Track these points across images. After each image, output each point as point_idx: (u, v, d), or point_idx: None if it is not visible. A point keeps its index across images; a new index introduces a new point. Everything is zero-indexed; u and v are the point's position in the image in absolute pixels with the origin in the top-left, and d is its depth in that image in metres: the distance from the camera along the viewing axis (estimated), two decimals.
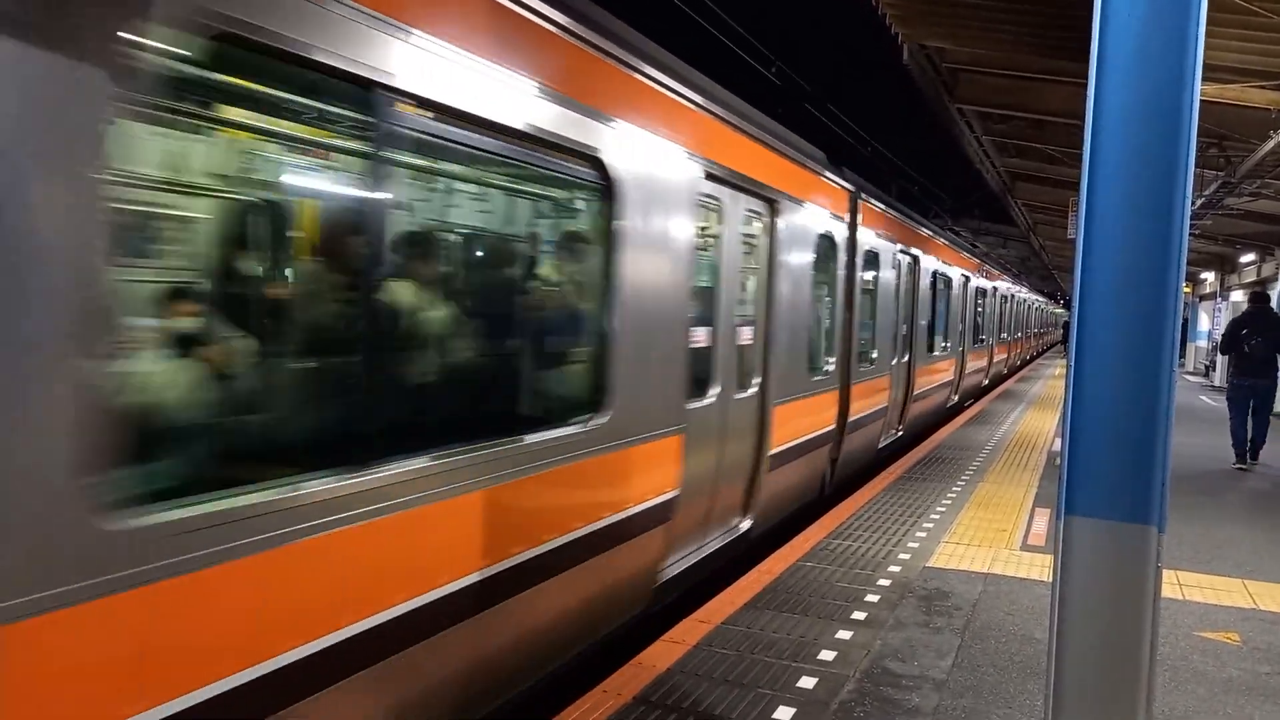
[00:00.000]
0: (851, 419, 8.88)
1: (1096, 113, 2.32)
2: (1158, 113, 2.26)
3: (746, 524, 6.46)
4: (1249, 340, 10.88)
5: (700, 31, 11.14)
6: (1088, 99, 2.33)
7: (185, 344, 2.90)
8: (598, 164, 4.23)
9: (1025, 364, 35.14)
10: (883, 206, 10.36)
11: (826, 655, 4.52)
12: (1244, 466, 10.79)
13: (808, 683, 4.18)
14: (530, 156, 3.99)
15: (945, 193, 30.05)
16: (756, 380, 6.47)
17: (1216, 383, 15.75)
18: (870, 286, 9.82)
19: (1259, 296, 11.91)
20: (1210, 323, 29.28)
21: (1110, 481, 2.32)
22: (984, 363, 20.39)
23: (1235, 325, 11.37)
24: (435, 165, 3.91)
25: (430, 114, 3.25)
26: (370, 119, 2.99)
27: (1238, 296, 26.86)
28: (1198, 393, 20.66)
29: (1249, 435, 10.83)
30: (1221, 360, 11.98)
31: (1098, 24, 2.32)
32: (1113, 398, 2.32)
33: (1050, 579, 2.44)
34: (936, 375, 14.01)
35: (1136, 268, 2.28)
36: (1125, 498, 2.31)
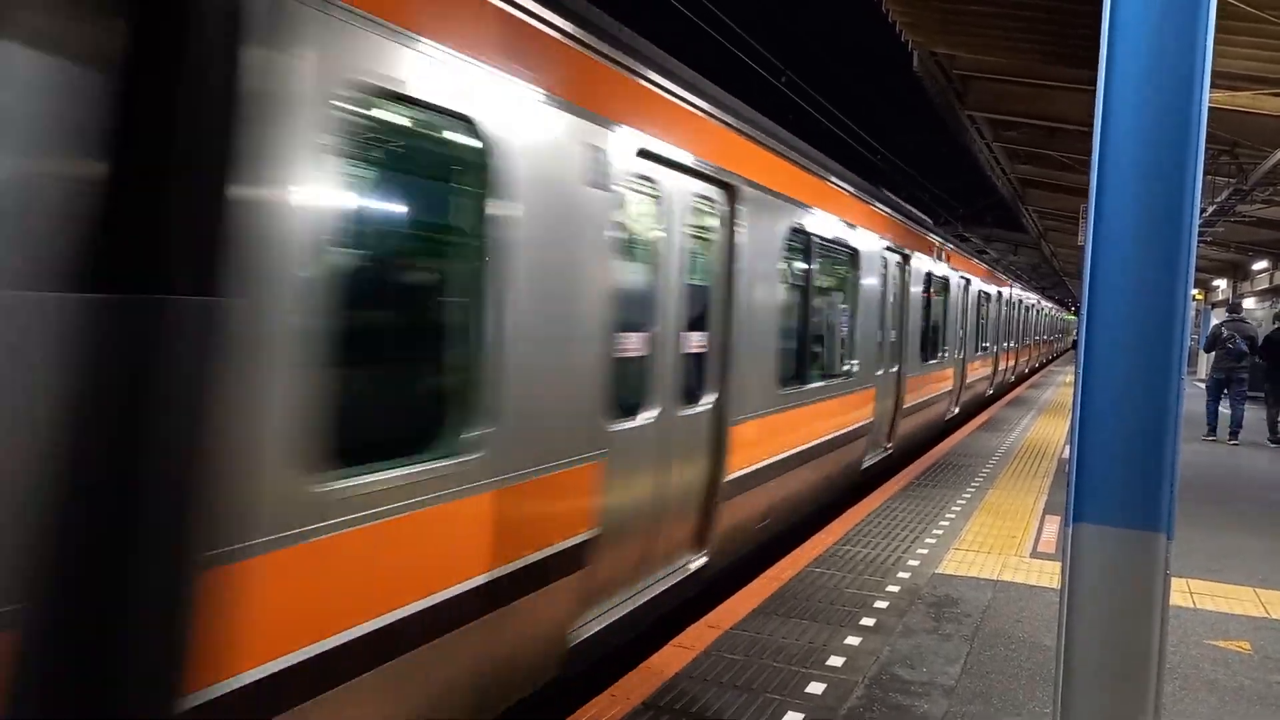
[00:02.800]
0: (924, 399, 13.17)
1: (1106, 120, 2.33)
2: (1167, 120, 2.26)
3: (890, 446, 10.75)
4: (1230, 340, 13.78)
5: (707, 39, 11.17)
6: (1097, 106, 2.34)
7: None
8: (855, 253, 8.76)
9: (1044, 365, 36.76)
10: (952, 248, 15.13)
11: (835, 661, 4.52)
12: (1214, 438, 13.93)
13: (816, 688, 4.19)
14: (843, 253, 8.62)
15: (956, 199, 30.00)
16: (898, 362, 10.87)
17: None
18: (942, 305, 14.02)
19: (1235, 307, 15.63)
20: None
21: (1119, 488, 2.32)
22: (1011, 362, 24.02)
23: (1217, 329, 14.50)
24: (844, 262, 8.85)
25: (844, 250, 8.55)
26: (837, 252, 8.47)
27: (1250, 304, 26.72)
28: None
29: (1232, 417, 13.81)
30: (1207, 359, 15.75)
31: (1107, 31, 2.33)
32: (1121, 404, 2.32)
33: (1059, 586, 2.44)
34: (981, 369, 18.46)
35: (1145, 274, 2.28)
36: (1134, 505, 2.31)
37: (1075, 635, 2.38)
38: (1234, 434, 13.74)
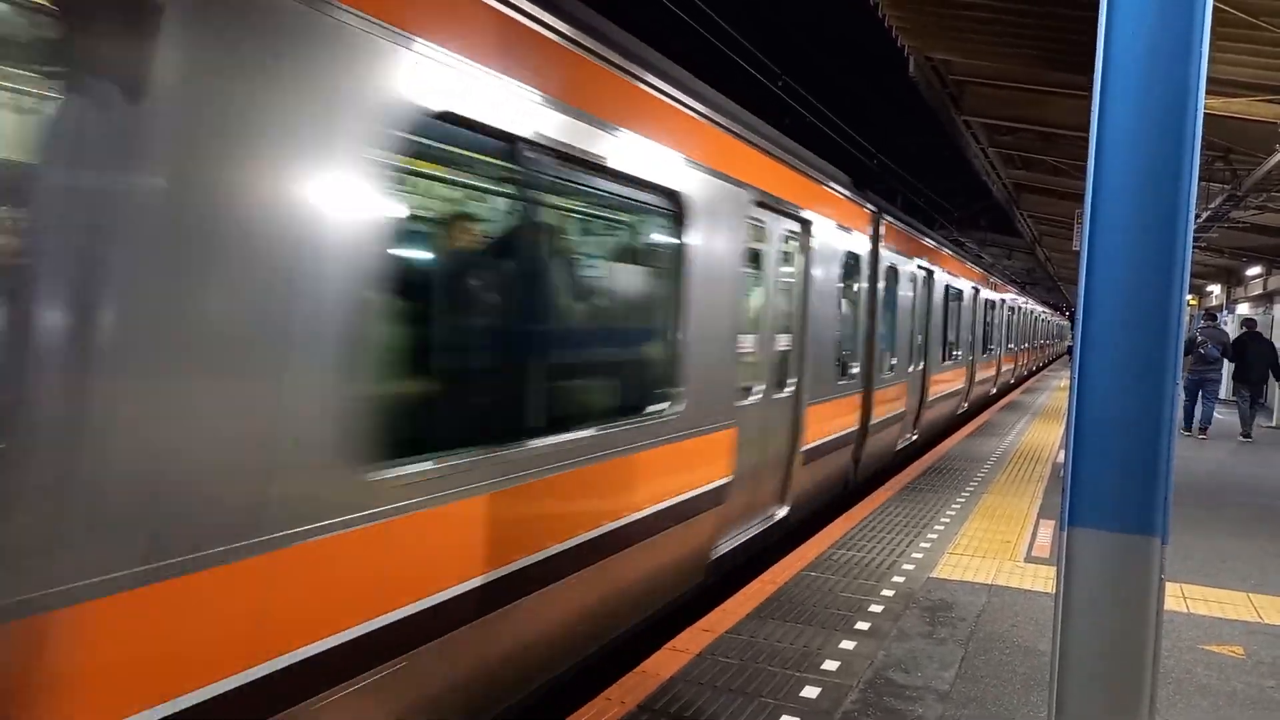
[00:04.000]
0: (940, 395, 14.61)
1: (1101, 125, 2.33)
2: (1163, 125, 2.27)
3: (915, 434, 12.52)
4: (1203, 345, 15.10)
5: (701, 40, 11.15)
6: (1092, 112, 2.34)
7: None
8: (893, 268, 10.40)
9: (1042, 368, 38.02)
10: (960, 258, 16.71)
11: (830, 665, 4.52)
12: (1189, 433, 14.93)
13: (811, 692, 4.18)
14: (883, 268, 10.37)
15: (951, 202, 30.05)
16: (923, 362, 12.60)
17: (1221, 395, 16.41)
18: (956, 312, 15.59)
19: (1210, 315, 17.53)
20: None
21: (1113, 493, 2.33)
22: (1012, 364, 25.76)
23: (1192, 335, 15.39)
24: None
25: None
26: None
27: (1244, 309, 26.78)
28: None
29: (1201, 415, 15.10)
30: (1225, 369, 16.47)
31: (1103, 37, 2.33)
32: (1116, 409, 2.32)
33: (1054, 590, 2.44)
34: (987, 370, 20.35)
35: (1140, 279, 2.28)
36: (1128, 509, 2.31)
37: (1070, 639, 2.38)
38: (1203, 429, 15.06)
